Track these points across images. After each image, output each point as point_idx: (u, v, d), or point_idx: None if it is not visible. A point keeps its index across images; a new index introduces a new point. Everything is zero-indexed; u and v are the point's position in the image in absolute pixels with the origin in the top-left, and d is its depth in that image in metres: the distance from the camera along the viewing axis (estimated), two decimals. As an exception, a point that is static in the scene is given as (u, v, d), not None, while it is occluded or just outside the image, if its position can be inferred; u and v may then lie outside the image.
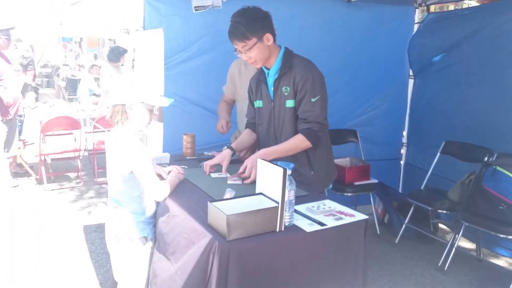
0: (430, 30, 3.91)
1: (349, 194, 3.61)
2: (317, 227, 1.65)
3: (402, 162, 4.46)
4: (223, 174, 2.22)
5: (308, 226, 1.66)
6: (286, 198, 1.59)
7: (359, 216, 1.78)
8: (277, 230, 1.58)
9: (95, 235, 3.77)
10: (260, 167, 1.75)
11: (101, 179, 5.24)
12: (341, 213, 1.80)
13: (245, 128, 2.52)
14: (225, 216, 1.47)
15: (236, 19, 2.12)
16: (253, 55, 2.15)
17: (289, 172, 1.59)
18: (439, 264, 3.26)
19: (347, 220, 1.74)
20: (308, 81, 2.12)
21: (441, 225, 4.00)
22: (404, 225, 3.62)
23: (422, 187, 3.66)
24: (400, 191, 4.38)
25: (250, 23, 2.09)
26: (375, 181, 3.71)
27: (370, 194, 3.90)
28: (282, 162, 1.71)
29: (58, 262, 3.30)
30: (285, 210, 1.60)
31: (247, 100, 2.70)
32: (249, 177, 2.11)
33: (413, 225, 3.64)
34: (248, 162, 2.15)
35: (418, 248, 3.64)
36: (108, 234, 2.06)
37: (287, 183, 1.59)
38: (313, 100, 2.13)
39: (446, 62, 3.78)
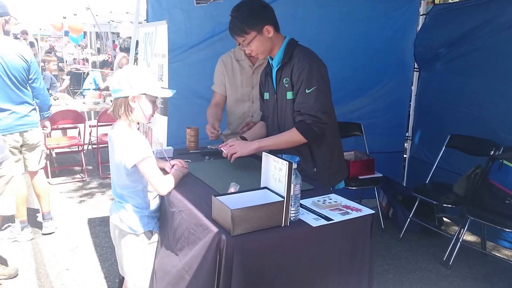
0: (436, 22, 3.86)
1: (353, 188, 3.59)
2: (323, 222, 1.63)
3: (405, 156, 4.43)
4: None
5: (314, 221, 1.63)
6: (291, 193, 1.56)
7: (366, 211, 1.75)
8: (283, 225, 1.56)
9: (100, 228, 3.78)
10: (264, 160, 1.72)
11: (105, 173, 5.25)
12: (347, 207, 1.77)
13: (260, 121, 2.50)
14: (229, 211, 1.45)
15: (233, 14, 2.10)
16: (254, 48, 2.13)
17: (294, 166, 1.57)
18: (444, 259, 3.25)
19: (353, 214, 1.71)
20: (304, 71, 2.05)
21: (445, 219, 3.98)
22: (408, 219, 3.60)
23: (427, 181, 3.63)
24: (404, 184, 4.36)
25: (247, 17, 2.07)
26: (380, 175, 3.69)
27: (375, 188, 3.88)
28: (287, 155, 1.68)
29: (62, 256, 3.30)
30: (291, 205, 1.57)
31: (243, 98, 2.68)
32: (230, 155, 2.15)
33: (417, 219, 3.61)
34: (235, 147, 2.14)
35: (423, 242, 3.63)
36: (113, 229, 2.05)
37: (293, 177, 1.56)
38: (307, 91, 2.05)
39: (453, 54, 3.73)
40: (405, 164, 4.42)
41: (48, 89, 7.09)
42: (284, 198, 1.55)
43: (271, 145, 2.16)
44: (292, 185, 1.56)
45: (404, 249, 3.51)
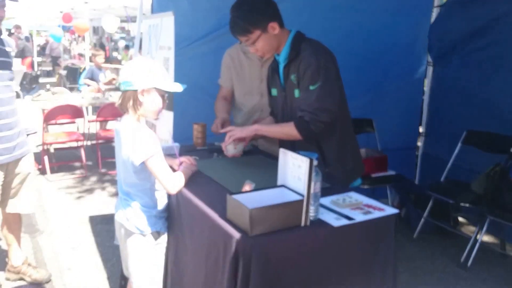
0: (452, 14, 3.74)
1: (365, 187, 3.47)
2: (345, 222, 1.54)
3: (417, 153, 4.33)
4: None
5: (334, 221, 1.54)
6: (311, 191, 1.46)
7: (389, 210, 1.65)
8: (302, 224, 1.48)
9: (101, 227, 3.70)
10: (282, 157, 1.63)
11: (105, 170, 5.16)
12: (369, 206, 1.68)
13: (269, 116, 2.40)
14: (248, 210, 1.36)
15: (234, 13, 1.98)
16: (259, 48, 2.01)
17: (315, 162, 1.47)
18: (462, 260, 3.14)
19: (376, 214, 1.62)
20: (310, 67, 1.93)
21: (460, 219, 3.87)
22: (423, 219, 3.49)
23: (442, 179, 3.52)
24: (416, 182, 4.26)
25: (249, 16, 1.94)
26: (393, 173, 3.58)
27: (387, 187, 3.77)
28: (305, 152, 1.58)
29: (63, 255, 3.22)
30: (310, 204, 1.48)
31: (251, 92, 2.58)
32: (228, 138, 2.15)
33: (432, 219, 3.51)
34: (233, 129, 2.15)
35: (438, 243, 3.52)
36: (118, 227, 1.96)
37: (313, 174, 1.46)
38: (311, 88, 1.94)
39: (470, 47, 3.62)
40: (417, 161, 4.31)
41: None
42: (304, 197, 1.46)
43: (268, 132, 2.14)
44: (312, 183, 1.46)
45: (419, 250, 3.40)
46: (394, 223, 1.65)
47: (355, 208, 1.66)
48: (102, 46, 16.11)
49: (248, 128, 2.14)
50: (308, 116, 1.94)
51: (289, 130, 2.01)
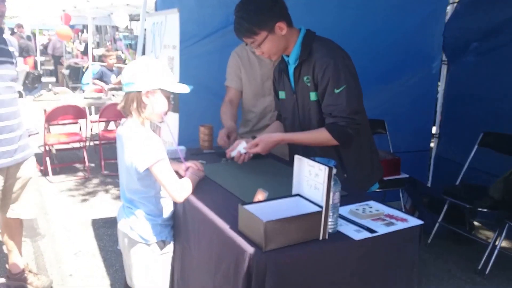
0: (469, 11, 3.62)
1: (377, 190, 3.35)
2: (367, 234, 1.42)
3: (430, 155, 4.22)
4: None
5: (355, 233, 1.43)
6: (330, 201, 1.35)
7: (413, 221, 1.54)
8: (321, 238, 1.36)
9: (103, 231, 3.62)
10: (297, 164, 1.51)
11: (107, 171, 5.08)
12: (391, 217, 1.57)
13: (276, 120, 2.29)
14: (262, 223, 1.25)
15: (239, 14, 1.87)
16: (265, 50, 1.90)
17: (334, 171, 1.35)
18: (479, 267, 3.02)
19: (399, 225, 1.50)
20: (329, 69, 1.83)
21: (476, 223, 3.75)
22: (437, 224, 3.38)
23: (457, 183, 3.41)
24: (429, 185, 4.15)
25: (254, 17, 1.83)
26: (406, 175, 3.47)
27: (400, 190, 3.66)
28: (321, 158, 1.47)
29: (65, 261, 3.14)
30: (329, 215, 1.37)
31: (264, 92, 2.47)
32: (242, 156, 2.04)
33: (446, 224, 3.39)
34: (260, 144, 1.97)
35: (453, 248, 3.41)
36: (121, 236, 1.86)
37: (332, 183, 1.35)
38: (336, 91, 1.83)
39: (488, 46, 3.50)
40: (430, 163, 4.20)
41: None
42: (322, 208, 1.35)
43: (295, 143, 2.03)
44: (331, 193, 1.35)
45: (433, 256, 3.29)
46: (419, 234, 1.55)
47: (376, 219, 1.55)
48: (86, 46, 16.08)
49: (269, 144, 1.98)
50: (343, 121, 1.86)
51: (322, 137, 1.91)
